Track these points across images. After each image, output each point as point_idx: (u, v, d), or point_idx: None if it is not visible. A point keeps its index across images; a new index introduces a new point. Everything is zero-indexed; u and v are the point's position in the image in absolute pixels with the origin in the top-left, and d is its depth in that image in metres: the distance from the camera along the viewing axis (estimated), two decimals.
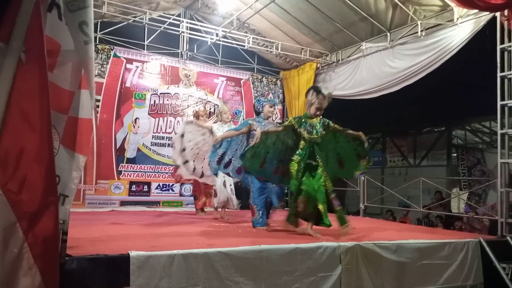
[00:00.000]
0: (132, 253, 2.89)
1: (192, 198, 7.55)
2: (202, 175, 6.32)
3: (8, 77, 2.36)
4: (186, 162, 6.28)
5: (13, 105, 2.37)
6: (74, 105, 2.66)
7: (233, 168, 5.22)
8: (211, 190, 6.47)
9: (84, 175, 7.56)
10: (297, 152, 4.56)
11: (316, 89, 4.69)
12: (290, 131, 4.66)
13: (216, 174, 5.56)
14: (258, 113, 5.34)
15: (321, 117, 4.64)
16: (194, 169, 6.29)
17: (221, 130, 5.95)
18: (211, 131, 6.18)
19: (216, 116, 6.52)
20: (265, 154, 4.66)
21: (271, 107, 5.30)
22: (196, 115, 6.81)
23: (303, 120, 4.60)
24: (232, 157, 5.18)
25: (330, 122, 4.68)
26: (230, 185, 5.91)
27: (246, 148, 4.77)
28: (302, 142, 4.55)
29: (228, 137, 5.20)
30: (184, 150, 6.32)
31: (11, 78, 2.37)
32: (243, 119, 8.69)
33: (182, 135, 6.39)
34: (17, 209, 2.30)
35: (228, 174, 5.40)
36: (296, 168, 4.49)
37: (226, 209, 6.07)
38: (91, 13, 2.74)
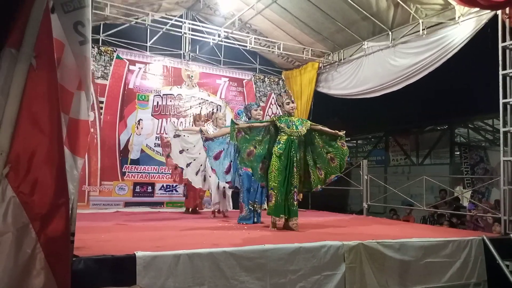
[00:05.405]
0: (138, 253, 2.92)
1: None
2: (204, 179, 6.51)
3: (19, 82, 2.40)
4: (188, 164, 6.41)
5: (24, 110, 2.41)
6: (74, 106, 2.67)
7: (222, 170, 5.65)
8: (203, 193, 7.05)
9: (88, 176, 7.61)
10: (278, 145, 4.88)
11: (280, 93, 5.62)
12: (272, 130, 5.04)
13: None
14: (249, 118, 5.74)
15: (299, 117, 5.29)
16: (197, 171, 6.40)
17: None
18: (201, 131, 6.38)
19: (212, 121, 6.76)
20: (262, 159, 4.98)
21: (256, 110, 5.68)
22: (194, 119, 7.04)
23: (282, 118, 5.05)
24: (232, 161, 5.61)
25: (308, 120, 5.25)
26: (224, 187, 6.21)
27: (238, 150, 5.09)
28: (283, 137, 4.91)
29: (220, 135, 5.73)
30: (182, 151, 6.48)
31: (22, 83, 2.40)
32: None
33: (176, 136, 6.54)
34: (29, 211, 2.34)
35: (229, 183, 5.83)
36: (277, 163, 4.82)
37: (218, 211, 6.37)
38: (89, 13, 2.71)
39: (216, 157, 5.66)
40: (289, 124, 4.95)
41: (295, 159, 4.85)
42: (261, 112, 5.98)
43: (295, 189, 4.86)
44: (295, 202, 4.87)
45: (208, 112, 8.91)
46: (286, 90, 5.55)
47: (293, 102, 5.10)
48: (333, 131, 5.21)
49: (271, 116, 5.78)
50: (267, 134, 5.05)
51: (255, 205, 5.51)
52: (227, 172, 5.62)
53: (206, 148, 5.75)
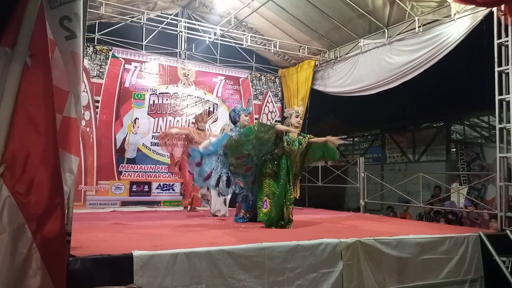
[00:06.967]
0: (135, 253, 2.92)
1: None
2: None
3: (14, 81, 2.38)
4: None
5: (19, 109, 2.39)
6: (68, 105, 2.64)
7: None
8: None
9: (84, 176, 7.58)
10: (270, 157, 5.03)
11: (293, 107, 5.77)
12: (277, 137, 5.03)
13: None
14: (234, 123, 5.59)
15: (300, 134, 5.23)
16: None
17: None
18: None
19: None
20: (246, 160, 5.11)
21: (246, 116, 5.53)
22: (196, 119, 7.17)
23: (288, 136, 5.08)
24: (213, 170, 5.39)
25: (306, 135, 5.23)
26: (224, 195, 6.09)
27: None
28: (280, 151, 5.00)
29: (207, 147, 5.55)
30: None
31: (17, 82, 2.38)
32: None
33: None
34: (25, 211, 2.32)
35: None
36: (273, 179, 4.99)
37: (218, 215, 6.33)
38: (77, 8, 2.65)
39: (198, 164, 5.41)
40: (289, 141, 5.03)
41: (290, 176, 4.97)
42: (249, 119, 5.81)
43: (292, 205, 5.01)
44: (291, 216, 4.99)
45: (205, 110, 8.89)
46: (301, 104, 5.63)
47: (301, 119, 5.25)
48: (322, 139, 5.15)
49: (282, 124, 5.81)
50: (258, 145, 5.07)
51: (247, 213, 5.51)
52: (206, 179, 5.35)
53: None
